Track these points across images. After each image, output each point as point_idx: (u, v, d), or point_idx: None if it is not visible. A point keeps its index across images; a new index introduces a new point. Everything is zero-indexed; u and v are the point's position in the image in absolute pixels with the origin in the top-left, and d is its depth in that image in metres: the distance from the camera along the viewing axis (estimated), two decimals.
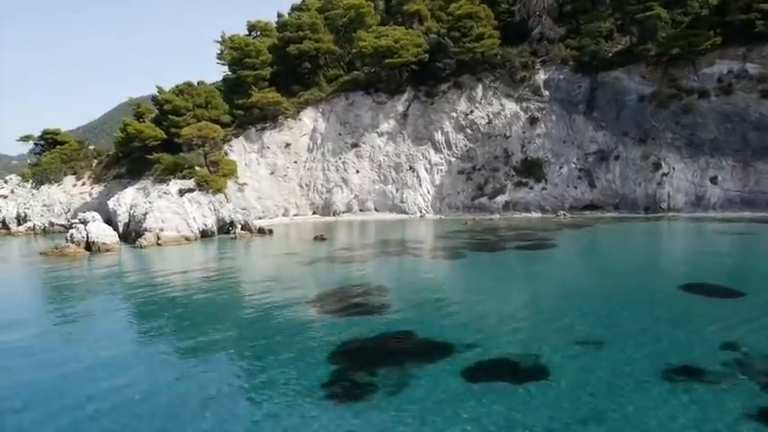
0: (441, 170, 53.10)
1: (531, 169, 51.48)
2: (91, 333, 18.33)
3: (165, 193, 42.23)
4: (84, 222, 41.83)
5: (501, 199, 51.08)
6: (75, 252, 35.27)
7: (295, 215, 51.78)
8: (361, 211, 53.14)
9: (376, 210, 53.22)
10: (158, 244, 37.96)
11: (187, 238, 39.32)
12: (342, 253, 32.14)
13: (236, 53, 53.83)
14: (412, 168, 53.13)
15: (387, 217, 51.70)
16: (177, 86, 51.30)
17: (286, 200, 51.67)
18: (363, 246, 35.07)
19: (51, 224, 48.80)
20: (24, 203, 52.73)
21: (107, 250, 35.80)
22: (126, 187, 49.81)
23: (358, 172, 53.13)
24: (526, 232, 38.23)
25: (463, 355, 14.17)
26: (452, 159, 53.17)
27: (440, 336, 15.88)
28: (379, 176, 53.35)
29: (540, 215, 49.28)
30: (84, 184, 53.06)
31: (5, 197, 54.41)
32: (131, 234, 40.53)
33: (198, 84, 52.02)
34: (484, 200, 51.53)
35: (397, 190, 53.05)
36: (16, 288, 27.04)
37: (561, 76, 52.95)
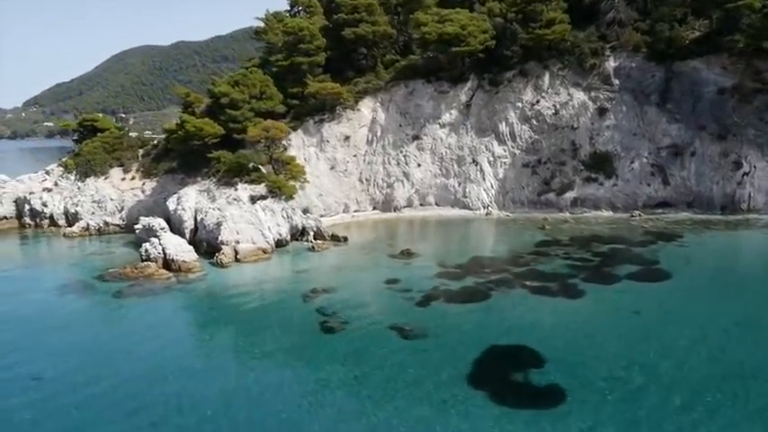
0: (504, 163, 51.03)
1: (601, 164, 49.53)
2: None
3: (234, 199, 40.19)
4: (150, 229, 40.16)
5: (569, 195, 49.33)
6: (156, 273, 33.52)
7: (355, 211, 49.93)
8: (421, 205, 51.31)
9: (437, 204, 51.41)
10: (237, 259, 36.23)
11: (264, 251, 37.55)
12: (443, 283, 30.55)
13: (289, 38, 50.51)
14: (475, 161, 51.02)
15: (450, 213, 49.97)
16: (232, 77, 48.37)
17: (346, 196, 49.68)
18: (459, 267, 33.53)
19: (106, 224, 46.58)
20: (71, 198, 50.39)
21: (188, 269, 34.07)
22: (180, 184, 47.69)
23: (419, 165, 50.99)
24: (620, 248, 36.75)
25: None
26: (516, 152, 51.02)
27: None
28: (441, 170, 51.26)
29: (610, 214, 47.74)
30: (133, 178, 50.58)
31: (50, 190, 52.02)
32: (202, 245, 38.71)
33: (251, 72, 48.96)
34: (551, 196, 49.75)
35: (460, 184, 51.08)
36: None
37: (633, 64, 50.29)
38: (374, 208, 50.85)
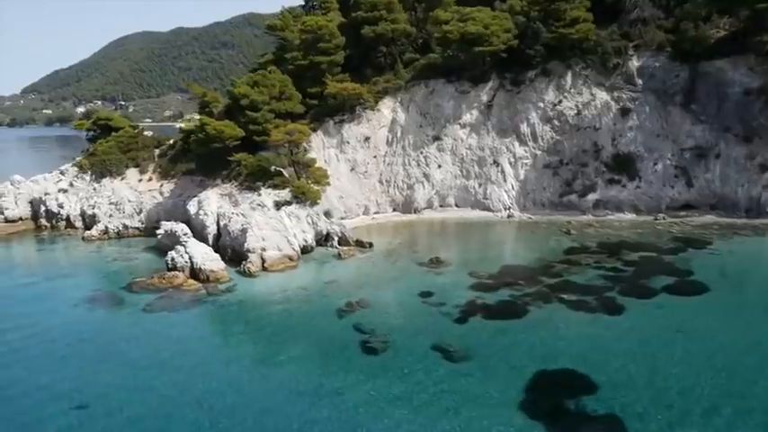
0: (525, 164, 50.47)
1: (624, 165, 49.01)
2: None
3: (259, 205, 39.66)
4: (173, 235, 39.72)
5: (592, 197, 48.86)
6: (185, 283, 33.11)
7: (375, 213, 49.45)
8: (441, 207, 50.82)
9: (457, 206, 50.92)
10: (264, 267, 35.79)
11: (290, 258, 37.12)
12: (478, 296, 30.25)
13: (307, 36, 49.63)
14: (496, 162, 50.46)
15: (470, 215, 49.50)
16: (251, 77, 47.53)
17: (366, 198, 49.17)
18: (491, 277, 33.19)
19: (125, 227, 46.00)
20: (88, 199, 49.82)
21: (217, 279, 33.64)
22: (199, 186, 47.16)
23: (440, 167, 50.43)
24: (650, 255, 36.37)
25: None
26: (538, 153, 50.44)
27: None
28: (462, 171, 50.70)
29: (633, 216, 47.27)
30: (150, 179, 49.94)
31: (65, 191, 51.39)
32: (226, 251, 38.23)
33: (270, 72, 48.12)
34: (573, 198, 49.28)
35: (480, 185, 50.57)
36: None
37: (657, 64, 49.55)
38: (394, 209, 50.37)
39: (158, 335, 26.61)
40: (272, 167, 42.86)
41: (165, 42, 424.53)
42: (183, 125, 49.44)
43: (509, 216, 48.76)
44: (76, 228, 49.14)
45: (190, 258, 34.96)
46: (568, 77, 50.18)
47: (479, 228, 46.05)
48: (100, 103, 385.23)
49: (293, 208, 39.46)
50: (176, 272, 34.14)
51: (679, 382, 20.94)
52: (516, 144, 50.57)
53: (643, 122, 49.35)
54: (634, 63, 49.92)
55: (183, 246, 36.00)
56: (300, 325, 27.39)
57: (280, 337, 26.09)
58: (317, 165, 45.85)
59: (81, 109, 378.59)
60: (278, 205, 39.53)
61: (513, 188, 50.36)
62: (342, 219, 46.36)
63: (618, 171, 48.96)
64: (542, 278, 32.82)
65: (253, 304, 30.24)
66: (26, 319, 28.72)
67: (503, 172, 50.39)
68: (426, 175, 50.17)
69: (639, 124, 49.34)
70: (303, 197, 39.84)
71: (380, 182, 50.13)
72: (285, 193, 40.29)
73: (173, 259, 35.21)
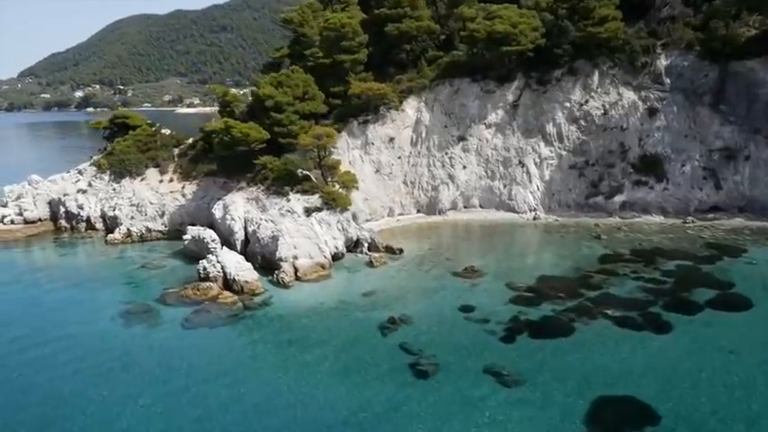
0: (551, 165, 49.85)
1: (651, 166, 48.42)
2: None
3: (288, 211, 39.08)
4: (201, 241, 39.22)
5: (618, 199, 48.34)
6: (220, 295, 32.61)
7: (400, 215, 48.92)
8: (465, 207, 50.27)
9: (481, 207, 50.35)
10: (297, 277, 35.33)
11: (322, 266, 36.68)
12: (520, 311, 29.88)
13: (330, 34, 48.58)
14: (521, 163, 49.83)
15: (495, 216, 48.99)
16: (274, 77, 46.54)
17: (391, 199, 48.59)
18: (530, 290, 32.78)
19: (149, 230, 45.38)
20: (108, 200, 49.13)
21: (252, 291, 33.16)
22: (222, 188, 46.49)
23: (465, 167, 49.79)
24: (687, 265, 35.95)
25: None
26: (563, 153, 49.79)
27: None
28: (486, 172, 50.08)
29: (661, 219, 46.81)
30: (171, 180, 49.14)
31: (84, 191, 50.66)
32: (256, 258, 37.74)
33: (293, 71, 47.16)
34: (599, 199, 48.76)
35: (505, 186, 49.98)
36: None
37: (685, 63, 48.73)
38: (418, 211, 49.84)
39: (201, 356, 26.12)
40: (299, 171, 42.21)
41: (163, 26, 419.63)
42: (208, 126, 48.24)
43: (534, 218, 48.26)
44: (97, 229, 48.56)
45: (222, 268, 34.46)
46: (595, 77, 49.37)
47: (507, 231, 45.56)
48: (98, 87, 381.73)
49: (324, 214, 38.89)
50: (210, 283, 33.64)
51: (744, 411, 20.63)
52: (542, 144, 49.90)
53: (671, 123, 48.67)
54: (662, 62, 49.09)
55: (215, 255, 35.47)
56: (345, 344, 26.96)
57: (327, 359, 25.61)
58: (342, 167, 45.17)
59: (79, 93, 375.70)
60: (308, 211, 38.94)
61: (538, 189, 49.81)
62: (367, 221, 45.90)
63: (645, 172, 48.38)
64: (582, 290, 32.42)
65: (292, 320, 29.76)
66: (63, 337, 28.22)
67: (528, 173, 49.79)
68: (451, 176, 49.54)
69: (667, 124, 48.66)
70: (333, 203, 39.23)
71: (405, 183, 49.50)
72: (315, 199, 39.66)
73: (204, 269, 34.71)
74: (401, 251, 39.76)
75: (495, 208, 50.08)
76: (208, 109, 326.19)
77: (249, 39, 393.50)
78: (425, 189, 49.63)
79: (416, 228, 47.22)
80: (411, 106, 49.49)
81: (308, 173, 42.33)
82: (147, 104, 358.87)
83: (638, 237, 42.36)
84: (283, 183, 41.53)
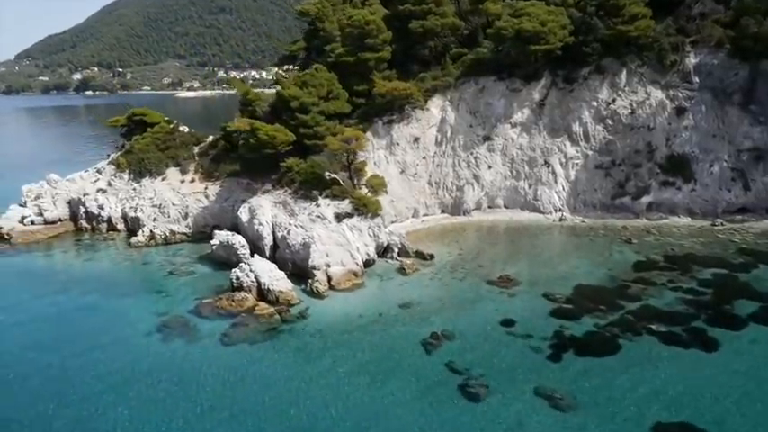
0: (576, 164, 49.28)
1: (678, 167, 47.94)
2: None
3: (318, 216, 38.57)
4: (230, 247, 38.80)
5: (645, 200, 47.91)
6: (257, 307, 32.20)
7: (424, 215, 48.43)
8: (489, 208, 49.78)
9: (505, 207, 49.88)
10: (331, 285, 34.97)
11: (354, 273, 36.30)
12: (562, 325, 29.64)
13: (354, 31, 47.59)
14: (546, 163, 49.25)
15: (521, 217, 48.55)
16: (298, 77, 45.66)
17: (416, 200, 48.05)
18: (568, 301, 32.52)
19: (172, 233, 44.81)
20: (128, 200, 48.49)
21: (287, 301, 32.78)
22: (246, 190, 45.93)
23: (490, 168, 49.20)
24: (723, 273, 35.64)
25: None
26: (589, 153, 49.22)
27: None
28: (511, 172, 49.50)
29: (688, 220, 46.44)
30: (193, 180, 48.45)
31: (104, 191, 49.99)
32: (286, 265, 37.32)
33: (317, 71, 46.23)
34: (626, 200, 48.31)
35: (530, 186, 49.46)
36: None
37: (715, 61, 47.99)
38: (442, 211, 49.35)
39: (244, 377, 25.67)
40: (327, 174, 41.61)
41: (160, 6, 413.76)
42: (230, 126, 47.47)
43: (561, 219, 47.82)
44: (119, 230, 48.00)
45: (256, 277, 34.05)
46: (623, 75, 48.61)
47: (535, 233, 45.12)
48: (96, 69, 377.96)
49: (355, 221, 38.38)
50: (244, 293, 33.25)
51: None
52: (568, 144, 49.29)
53: (699, 122, 48.07)
54: (691, 60, 48.33)
55: (248, 263, 35.03)
56: (391, 363, 26.65)
57: (375, 380, 25.23)
58: (367, 168, 44.54)
59: (77, 76, 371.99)
60: (338, 217, 38.42)
61: (563, 189, 49.31)
62: (392, 222, 45.39)
63: (672, 173, 47.88)
64: (621, 302, 32.13)
65: (332, 335, 29.36)
66: (101, 354, 27.79)
67: (553, 173, 49.24)
68: (476, 177, 48.97)
69: (695, 124, 48.06)
70: (364, 209, 38.71)
71: (430, 183, 48.95)
72: (345, 205, 39.10)
73: (237, 278, 34.29)
74: (432, 257, 39.37)
75: (520, 208, 49.62)
76: (208, 92, 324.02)
77: (248, 20, 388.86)
78: (450, 189, 49.08)
79: (442, 229, 46.77)
80: (436, 105, 48.72)
81: (335, 176, 41.70)
82: (146, 88, 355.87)
83: (669, 241, 41.97)
84: (311, 186, 40.95)
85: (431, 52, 51.12)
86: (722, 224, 45.08)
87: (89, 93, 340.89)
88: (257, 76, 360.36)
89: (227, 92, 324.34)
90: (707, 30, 48.49)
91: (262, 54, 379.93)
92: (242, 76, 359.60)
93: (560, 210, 48.84)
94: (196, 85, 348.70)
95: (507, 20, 46.51)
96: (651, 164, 48.44)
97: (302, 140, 43.57)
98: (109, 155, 54.81)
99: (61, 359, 27.36)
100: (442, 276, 36.58)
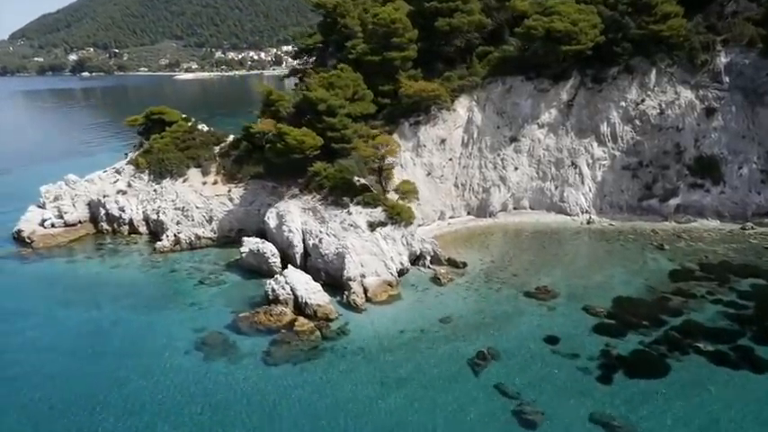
0: (603, 165, 48.68)
1: (707, 168, 47.38)
2: None
3: (351, 225, 37.99)
4: (261, 255, 38.33)
5: (673, 202, 47.44)
6: (296, 322, 31.71)
7: (450, 218, 47.90)
8: (515, 209, 49.29)
9: (531, 208, 49.38)
10: (367, 297, 34.57)
11: (389, 284, 35.88)
12: (607, 343, 29.32)
13: (379, 30, 46.47)
14: (573, 164, 48.64)
15: (547, 219, 48.08)
16: (324, 77, 44.62)
17: (442, 203, 47.46)
18: (610, 315, 32.19)
19: (198, 237, 44.19)
20: (150, 202, 47.74)
21: (326, 316, 32.35)
22: (272, 194, 45.32)
23: (516, 169, 48.56)
24: (763, 284, 35.28)
25: None
26: (617, 153, 48.58)
27: None
28: (538, 173, 48.90)
29: (717, 223, 46.01)
30: (215, 182, 47.63)
31: (124, 192, 49.21)
32: (319, 275, 36.85)
33: (342, 71, 45.23)
34: (653, 202, 47.83)
35: (557, 188, 48.91)
36: None
37: (746, 61, 47.19)
38: (468, 213, 48.82)
39: (292, 402, 25.19)
40: (356, 179, 40.94)
41: None
42: (253, 127, 46.59)
43: (588, 221, 47.37)
44: (141, 233, 47.40)
45: (292, 290, 33.60)
46: (653, 75, 47.76)
47: (564, 237, 44.65)
48: (92, 50, 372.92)
49: (389, 229, 37.82)
50: (282, 307, 32.81)
51: None
52: (595, 145, 48.63)
53: (728, 123, 47.42)
54: (721, 59, 47.48)
55: (283, 275, 34.54)
56: (441, 386, 26.29)
57: (426, 406, 24.86)
58: (394, 171, 43.88)
59: (73, 57, 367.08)
60: (372, 226, 37.84)
61: (589, 190, 48.78)
62: (419, 225, 44.74)
63: (701, 174, 47.33)
64: (663, 316, 31.81)
65: (376, 354, 28.95)
66: (144, 381, 27.19)
67: (580, 174, 48.67)
68: (502, 178, 48.35)
69: (724, 125, 47.41)
70: (398, 218, 38.12)
71: (456, 185, 48.31)
72: (378, 213, 38.49)
73: (273, 290, 33.84)
74: (464, 265, 38.97)
75: (546, 209, 49.12)
76: (207, 74, 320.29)
77: (246, 0, 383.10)
78: (476, 191, 48.49)
79: (468, 232, 46.28)
80: (462, 105, 47.85)
81: (365, 182, 41.03)
82: (143, 69, 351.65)
83: (701, 247, 41.57)
84: (341, 192, 40.29)
85: (456, 50, 50.03)
86: (752, 228, 44.70)
87: (85, 74, 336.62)
88: (255, 57, 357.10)
89: (226, 74, 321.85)
90: (738, 28, 47.55)
91: (260, 34, 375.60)
92: (240, 57, 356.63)
93: (586, 211, 48.39)
94: (194, 66, 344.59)
95: (537, 18, 45.44)
96: (679, 165, 47.87)
97: (329, 144, 42.78)
98: (126, 153, 53.93)
99: (106, 389, 26.61)
100: (477, 287, 36.19)
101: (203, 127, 53.65)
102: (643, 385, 26.07)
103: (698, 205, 47.17)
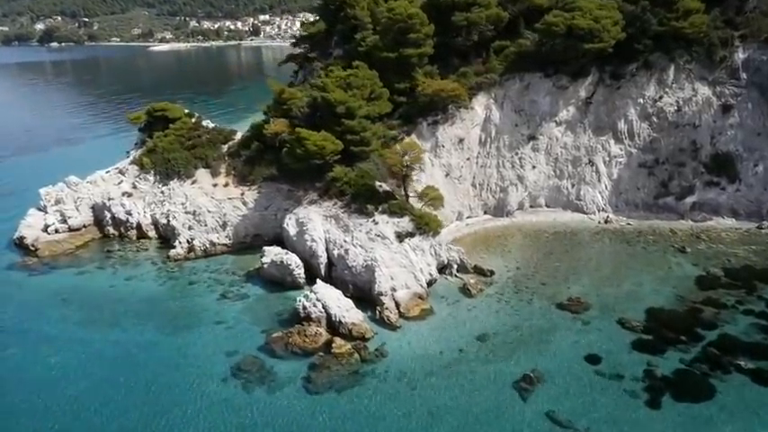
0: (620, 163, 48.34)
1: (723, 166, 47.39)
2: None
3: (378, 235, 37.09)
4: (285, 267, 37.38)
5: (689, 200, 47.47)
6: (333, 344, 30.90)
7: (468, 218, 47.26)
8: (531, 207, 48.84)
9: (547, 206, 48.99)
10: (400, 312, 33.97)
11: (420, 296, 35.33)
12: (648, 362, 29.37)
13: (394, 25, 44.75)
14: (590, 162, 48.19)
15: (564, 218, 47.77)
16: (341, 77, 42.91)
17: (460, 203, 46.70)
18: (645, 329, 32.19)
19: (213, 244, 42.75)
20: (158, 205, 46.00)
21: (361, 335, 31.69)
22: (287, 198, 44.02)
23: (534, 167, 47.93)
24: None
25: None
26: (633, 151, 48.24)
27: None
28: (555, 171, 48.36)
29: (733, 222, 46.25)
30: (226, 184, 46.02)
31: (129, 195, 47.32)
32: (346, 286, 36.09)
33: (359, 69, 43.59)
34: (669, 200, 47.81)
35: (573, 186, 48.52)
36: None
37: (764, 57, 46.88)
38: (485, 212, 48.22)
39: None
40: (379, 185, 39.91)
41: None
42: (265, 126, 44.83)
43: (606, 220, 47.17)
44: (150, 238, 45.81)
45: (324, 307, 32.80)
46: (671, 71, 47.21)
47: (585, 240, 44.37)
48: (60, 19, 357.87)
49: (417, 240, 37.05)
50: (316, 327, 31.99)
51: None
52: (612, 142, 48.18)
53: (744, 120, 47.29)
54: (739, 55, 47.04)
55: (313, 292, 33.66)
56: (489, 415, 25.96)
57: None
58: (413, 173, 42.84)
59: (40, 26, 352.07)
60: (399, 237, 37.02)
61: (606, 188, 48.50)
62: None
63: (717, 172, 47.32)
64: (698, 330, 31.97)
65: (418, 378, 28.50)
66: (180, 412, 26.51)
67: (597, 171, 48.29)
68: (520, 177, 47.73)
69: (741, 122, 47.28)
70: (426, 228, 37.31)
71: (473, 185, 47.53)
72: (406, 223, 37.60)
73: (305, 308, 32.98)
74: (492, 273, 38.50)
75: (563, 208, 48.81)
76: (182, 45, 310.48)
77: None
78: (494, 191, 47.85)
79: (487, 233, 45.73)
80: (480, 103, 46.72)
81: (388, 188, 40.01)
82: (115, 39, 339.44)
83: (722, 249, 41.72)
84: (364, 200, 39.21)
85: (471, 44, 48.60)
86: None
87: (54, 44, 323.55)
88: (232, 27, 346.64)
89: (202, 44, 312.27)
90: (756, 23, 47.06)
91: (235, 2, 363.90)
92: (216, 26, 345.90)
93: (603, 209, 48.18)
94: (168, 36, 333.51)
95: (558, 14, 44.25)
96: (695, 163, 47.76)
97: (348, 147, 41.46)
98: (128, 152, 51.79)
99: (143, 425, 25.80)
100: (508, 299, 35.80)
101: (208, 123, 51.57)
102: (691, 410, 26.17)
103: (714, 203, 47.25)
